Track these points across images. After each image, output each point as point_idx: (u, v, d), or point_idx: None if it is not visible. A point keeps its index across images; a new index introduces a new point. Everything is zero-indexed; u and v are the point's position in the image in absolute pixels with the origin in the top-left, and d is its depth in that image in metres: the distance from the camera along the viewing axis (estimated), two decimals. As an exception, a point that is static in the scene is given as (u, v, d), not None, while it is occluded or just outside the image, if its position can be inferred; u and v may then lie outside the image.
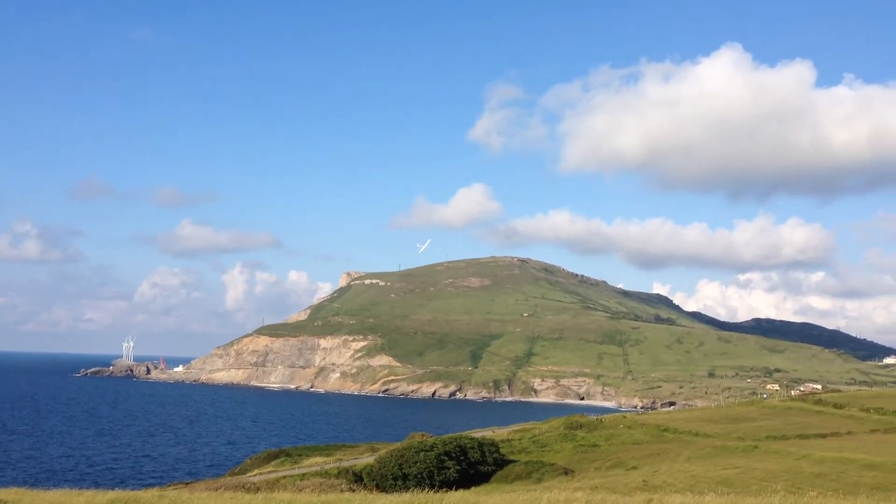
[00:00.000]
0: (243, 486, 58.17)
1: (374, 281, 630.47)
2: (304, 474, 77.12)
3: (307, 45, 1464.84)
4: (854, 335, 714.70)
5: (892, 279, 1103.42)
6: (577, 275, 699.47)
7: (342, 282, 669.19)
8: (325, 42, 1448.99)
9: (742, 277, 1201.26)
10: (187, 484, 78.96)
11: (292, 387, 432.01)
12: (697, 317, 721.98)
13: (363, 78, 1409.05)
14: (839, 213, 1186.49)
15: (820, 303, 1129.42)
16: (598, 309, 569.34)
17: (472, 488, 57.78)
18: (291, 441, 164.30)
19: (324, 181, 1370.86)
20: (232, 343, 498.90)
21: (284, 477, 74.36)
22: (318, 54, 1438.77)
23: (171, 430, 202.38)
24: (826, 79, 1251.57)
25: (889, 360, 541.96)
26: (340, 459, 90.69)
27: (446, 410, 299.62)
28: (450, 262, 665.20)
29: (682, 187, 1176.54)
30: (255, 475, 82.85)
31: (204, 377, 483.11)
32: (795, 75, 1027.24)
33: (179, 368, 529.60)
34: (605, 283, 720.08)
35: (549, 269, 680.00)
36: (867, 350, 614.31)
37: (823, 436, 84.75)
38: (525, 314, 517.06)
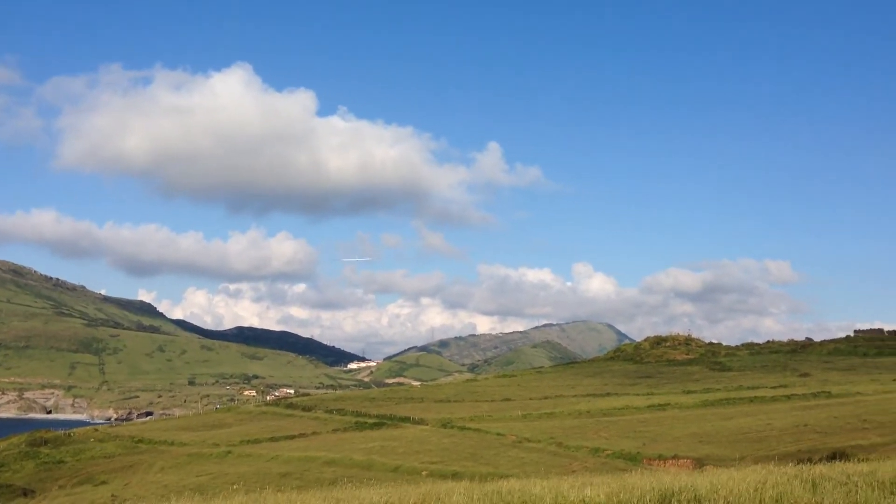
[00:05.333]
0: None
1: None
2: None
3: None
4: (326, 343, 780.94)
5: (362, 293, 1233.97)
6: (51, 278, 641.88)
7: None
8: None
9: (232, 287, 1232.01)
10: None
11: None
12: (182, 325, 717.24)
13: None
14: (325, 231, 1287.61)
15: (300, 312, 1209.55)
16: (74, 315, 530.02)
17: None
18: None
19: None
20: None
21: None
22: None
23: None
24: (325, 108, 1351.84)
25: (352, 366, 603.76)
26: None
27: None
28: None
29: (183, 195, 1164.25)
30: None
31: None
32: (300, 102, 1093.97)
33: None
34: (84, 288, 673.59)
35: (17, 271, 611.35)
36: (336, 356, 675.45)
37: (292, 437, 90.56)
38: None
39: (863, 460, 21.51)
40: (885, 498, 10.48)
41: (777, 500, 10.62)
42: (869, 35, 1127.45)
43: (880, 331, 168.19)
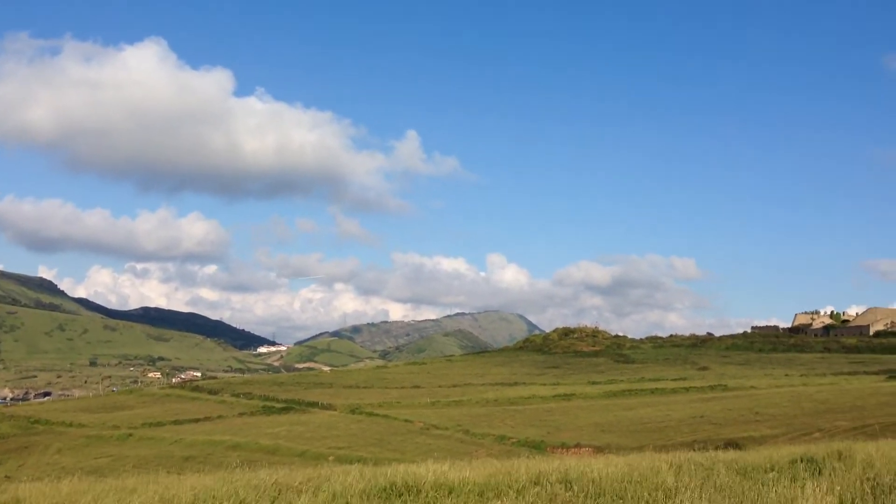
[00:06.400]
0: None
1: None
2: None
3: None
4: (236, 326, 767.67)
5: (275, 276, 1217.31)
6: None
7: None
8: None
9: (139, 266, 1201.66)
10: None
11: None
12: (85, 303, 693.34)
13: None
14: (238, 213, 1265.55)
15: (210, 294, 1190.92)
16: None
17: None
18: None
19: None
20: None
21: None
22: None
23: None
24: (242, 89, 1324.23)
25: (262, 349, 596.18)
26: None
27: None
28: None
29: (90, 171, 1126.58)
30: None
31: None
32: (216, 81, 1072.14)
33: None
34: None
35: None
36: (245, 340, 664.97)
37: (197, 420, 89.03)
38: None
39: (751, 450, 22.78)
40: (738, 481, 11.43)
41: (640, 482, 11.45)
42: (793, 34, 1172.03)
43: (775, 328, 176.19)
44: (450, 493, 10.88)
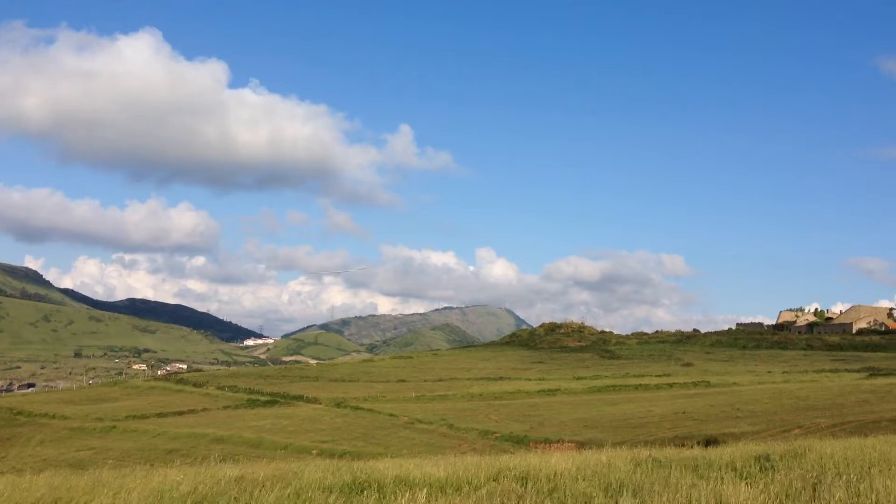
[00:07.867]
0: None
1: None
2: None
3: None
4: (223, 318, 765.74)
5: (264, 268, 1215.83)
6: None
7: None
8: None
9: (127, 257, 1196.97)
10: None
11: None
12: (71, 294, 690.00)
13: None
14: (229, 205, 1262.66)
15: (198, 286, 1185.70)
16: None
17: None
18: None
19: None
20: None
21: None
22: None
23: None
24: (237, 80, 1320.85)
25: (249, 342, 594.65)
26: None
27: None
28: None
29: (80, 161, 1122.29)
30: None
31: None
32: (211, 72, 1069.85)
33: None
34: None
35: None
36: (232, 332, 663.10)
37: (181, 413, 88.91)
38: None
39: (729, 446, 23.16)
40: (688, 478, 11.75)
41: (592, 478, 11.89)
42: (789, 29, 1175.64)
43: (760, 325, 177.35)
44: (411, 488, 11.15)
